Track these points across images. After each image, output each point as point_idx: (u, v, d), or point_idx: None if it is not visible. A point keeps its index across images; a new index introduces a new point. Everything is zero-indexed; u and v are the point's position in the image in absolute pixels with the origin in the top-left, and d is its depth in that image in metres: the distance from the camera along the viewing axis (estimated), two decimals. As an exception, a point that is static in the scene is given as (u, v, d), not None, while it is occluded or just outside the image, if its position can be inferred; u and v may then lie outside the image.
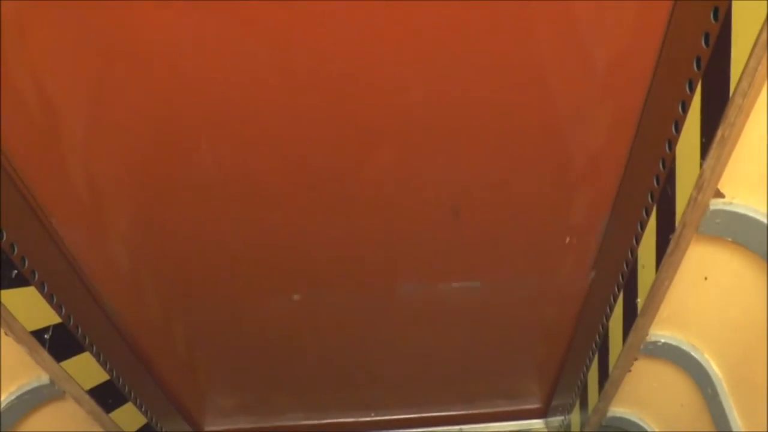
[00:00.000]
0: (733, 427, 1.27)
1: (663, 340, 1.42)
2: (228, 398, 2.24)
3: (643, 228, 1.32)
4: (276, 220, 1.50)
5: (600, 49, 1.17)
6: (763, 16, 0.88)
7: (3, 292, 1.27)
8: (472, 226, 1.53)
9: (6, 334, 1.32)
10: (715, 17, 0.98)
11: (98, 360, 1.62)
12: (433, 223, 1.53)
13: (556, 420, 2.20)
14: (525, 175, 1.42)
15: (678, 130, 1.13)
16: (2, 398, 1.38)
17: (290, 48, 1.14)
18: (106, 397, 1.67)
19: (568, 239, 1.57)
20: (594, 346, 1.68)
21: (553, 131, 1.32)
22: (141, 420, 1.88)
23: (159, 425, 1.99)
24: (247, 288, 1.71)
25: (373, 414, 2.29)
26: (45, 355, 1.42)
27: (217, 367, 2.06)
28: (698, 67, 1.04)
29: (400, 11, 1.08)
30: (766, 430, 1.20)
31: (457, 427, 2.35)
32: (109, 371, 1.67)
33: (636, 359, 1.51)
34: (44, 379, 1.47)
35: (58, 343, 1.45)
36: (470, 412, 2.33)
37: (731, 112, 0.98)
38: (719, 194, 1.10)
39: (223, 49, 1.13)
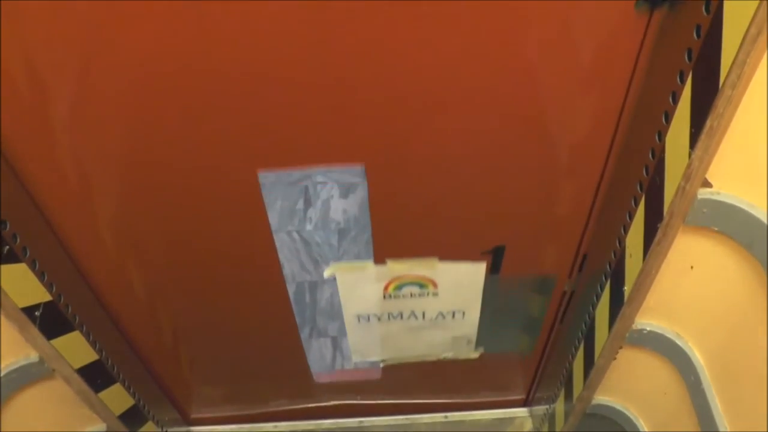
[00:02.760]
0: (714, 414, 1.30)
1: (648, 329, 1.44)
2: (214, 386, 2.25)
3: (631, 217, 1.34)
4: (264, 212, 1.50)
5: (591, 38, 1.18)
6: (753, 10, 0.90)
7: (-5, 267, 1.28)
8: (456, 213, 1.55)
9: (-3, 310, 1.31)
10: (707, 10, 1.00)
11: (88, 339, 1.62)
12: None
13: (540, 409, 2.23)
14: (510, 165, 1.42)
15: (668, 120, 1.14)
16: (-10, 375, 1.38)
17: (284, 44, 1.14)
18: (95, 377, 1.67)
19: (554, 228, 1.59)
20: (580, 334, 1.71)
21: (542, 120, 1.33)
22: (129, 401, 1.89)
23: (146, 408, 1.99)
24: (235, 276, 1.71)
25: (359, 398, 2.31)
26: (35, 332, 1.42)
27: (203, 354, 2.06)
28: (689, 58, 1.06)
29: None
30: (746, 417, 1.23)
31: (441, 414, 2.37)
32: (99, 351, 1.67)
33: (621, 347, 1.53)
34: (33, 357, 1.47)
35: (49, 321, 1.45)
36: (456, 400, 2.36)
37: (720, 103, 0.99)
38: (707, 184, 1.12)
39: (223, 41, 1.14)
